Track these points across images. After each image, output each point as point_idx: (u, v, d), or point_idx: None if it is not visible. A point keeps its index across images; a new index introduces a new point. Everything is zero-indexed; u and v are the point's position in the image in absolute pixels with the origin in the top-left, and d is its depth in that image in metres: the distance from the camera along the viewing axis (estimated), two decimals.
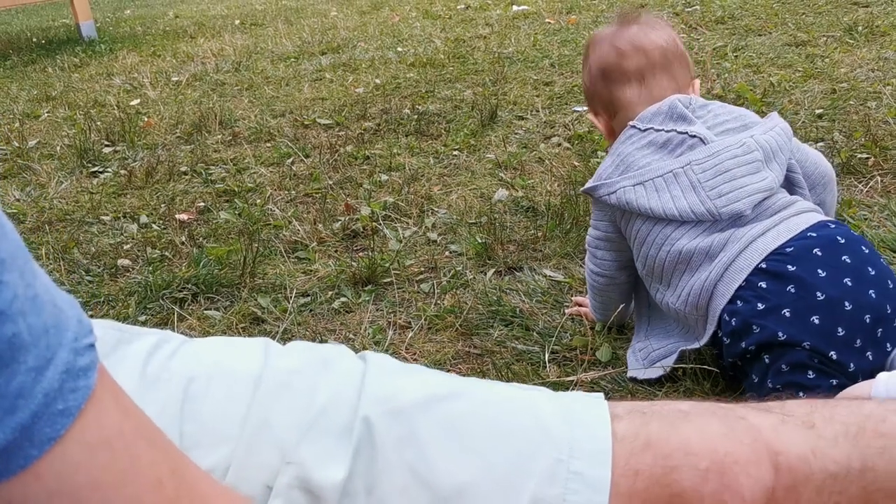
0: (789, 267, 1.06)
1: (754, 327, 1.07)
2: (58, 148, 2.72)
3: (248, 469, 0.61)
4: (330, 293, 1.57)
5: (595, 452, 0.63)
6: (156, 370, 0.65)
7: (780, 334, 1.04)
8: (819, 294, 1.04)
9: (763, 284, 1.07)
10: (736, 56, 2.93)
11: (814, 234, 1.09)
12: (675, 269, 1.16)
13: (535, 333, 1.35)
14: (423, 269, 1.64)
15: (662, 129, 1.21)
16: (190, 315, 1.52)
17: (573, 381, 1.22)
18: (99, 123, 2.95)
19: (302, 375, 0.67)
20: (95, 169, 2.46)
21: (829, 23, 3.21)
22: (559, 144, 2.28)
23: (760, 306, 1.06)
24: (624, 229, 1.23)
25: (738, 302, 1.08)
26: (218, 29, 5.14)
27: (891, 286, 1.07)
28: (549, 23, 3.96)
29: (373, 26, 4.51)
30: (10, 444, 0.41)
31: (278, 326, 1.46)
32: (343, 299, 1.54)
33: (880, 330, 1.05)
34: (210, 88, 3.43)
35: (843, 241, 1.09)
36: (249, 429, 0.62)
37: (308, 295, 1.57)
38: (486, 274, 1.58)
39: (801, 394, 1.04)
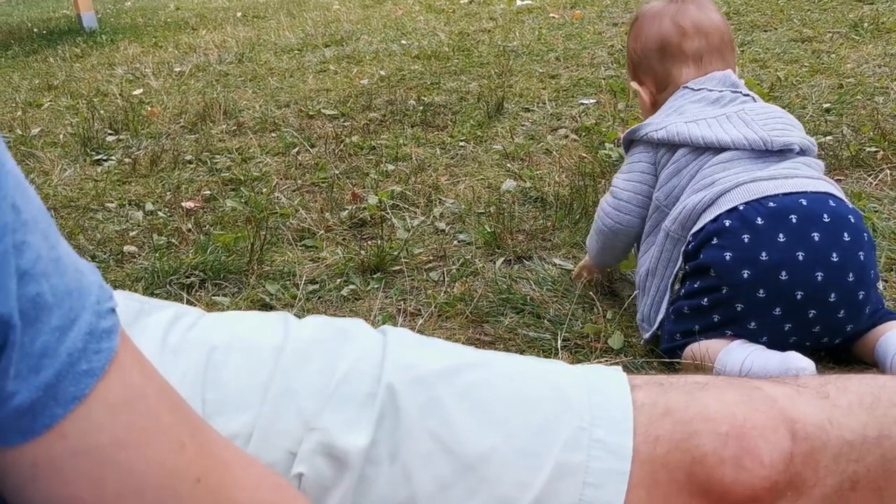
0: (758, 219, 1.10)
1: (701, 255, 1.13)
2: (61, 136, 2.70)
3: (272, 436, 0.61)
4: (338, 280, 1.56)
5: (616, 420, 0.64)
6: (176, 340, 0.65)
7: (712, 271, 1.11)
8: (763, 254, 1.08)
9: (727, 223, 1.11)
10: (742, 51, 2.92)
11: (804, 202, 1.11)
12: (685, 190, 1.21)
13: (546, 321, 1.35)
14: (431, 257, 1.63)
15: (715, 90, 1.26)
16: (198, 301, 1.52)
17: None
18: (102, 112, 2.94)
19: (323, 345, 0.66)
20: (99, 157, 2.45)
21: (835, 19, 3.20)
22: (566, 136, 2.28)
23: (714, 241, 1.11)
24: (660, 166, 1.26)
25: (703, 230, 1.14)
26: (220, 21, 5.13)
27: (850, 279, 1.08)
28: (554, 17, 3.95)
29: (376, 19, 4.50)
30: (36, 403, 0.41)
31: (288, 312, 1.45)
32: (352, 286, 1.53)
33: (813, 312, 1.08)
34: (213, 79, 3.41)
35: (826, 220, 1.09)
36: (272, 396, 0.62)
37: (316, 282, 1.56)
38: (495, 263, 1.58)
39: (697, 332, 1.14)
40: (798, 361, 1.02)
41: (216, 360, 0.64)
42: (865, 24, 3.01)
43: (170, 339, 0.65)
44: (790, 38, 3.01)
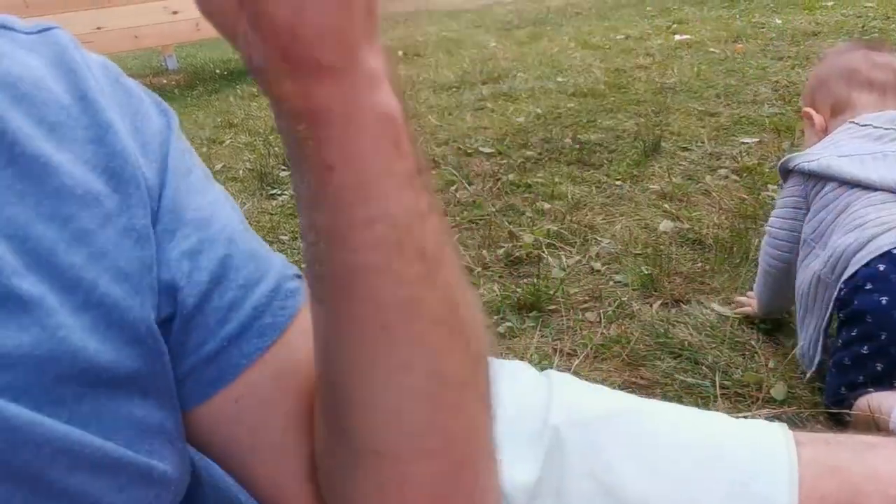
0: None
1: (855, 301, 1.11)
2: (240, 171, 2.93)
3: None
4: (495, 318, 1.61)
5: (780, 476, 0.64)
6: None
7: (868, 317, 1.09)
8: None
9: (881, 267, 1.09)
10: None
11: None
12: (835, 229, 1.19)
13: (704, 367, 1.34)
14: (587, 297, 1.65)
15: (881, 127, 1.27)
16: None
17: (746, 418, 1.19)
18: (276, 149, 3.16)
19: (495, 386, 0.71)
20: (274, 192, 2.64)
21: None
22: (726, 177, 2.24)
23: (868, 286, 1.10)
24: (811, 199, 1.27)
25: (856, 275, 1.12)
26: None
27: None
28: (714, 52, 3.88)
29: (532, 56, 4.58)
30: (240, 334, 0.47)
31: None
32: (508, 324, 1.57)
33: None
34: None
35: None
36: None
37: None
38: (651, 305, 1.58)
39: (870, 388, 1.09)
40: None
41: None
42: None
43: None
44: None
